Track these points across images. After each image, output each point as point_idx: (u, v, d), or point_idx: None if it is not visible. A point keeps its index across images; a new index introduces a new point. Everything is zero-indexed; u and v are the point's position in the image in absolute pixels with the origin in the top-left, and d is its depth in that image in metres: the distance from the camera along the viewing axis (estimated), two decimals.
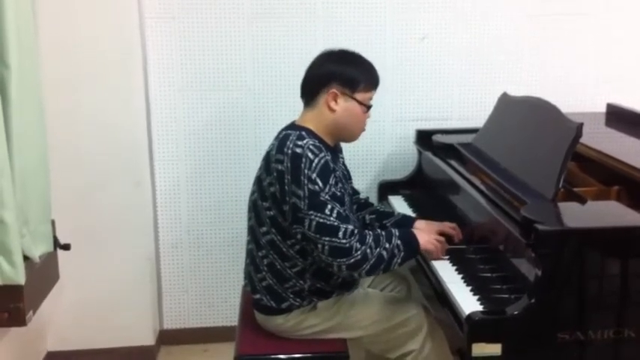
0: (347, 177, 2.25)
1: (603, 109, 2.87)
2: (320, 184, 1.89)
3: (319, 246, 1.89)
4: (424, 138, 2.78)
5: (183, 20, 2.79)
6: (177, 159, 2.91)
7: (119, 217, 2.77)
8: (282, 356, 2.05)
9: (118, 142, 2.71)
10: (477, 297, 1.83)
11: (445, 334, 2.11)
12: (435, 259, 2.07)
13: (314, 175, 1.89)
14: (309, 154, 1.90)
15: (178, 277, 3.01)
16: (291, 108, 2.62)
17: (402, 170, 2.95)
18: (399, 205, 2.67)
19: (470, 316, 1.68)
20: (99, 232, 2.76)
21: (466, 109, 3.00)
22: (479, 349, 1.65)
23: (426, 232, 2.10)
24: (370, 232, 1.96)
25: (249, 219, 2.12)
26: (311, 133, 2.00)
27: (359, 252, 1.88)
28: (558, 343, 1.68)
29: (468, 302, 1.80)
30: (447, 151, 2.56)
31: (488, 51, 2.96)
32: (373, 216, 2.33)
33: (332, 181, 1.91)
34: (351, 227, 1.89)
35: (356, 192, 2.40)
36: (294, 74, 2.18)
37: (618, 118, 2.74)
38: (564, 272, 1.68)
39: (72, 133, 2.66)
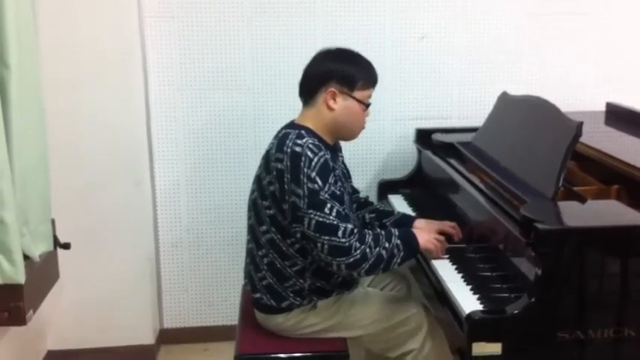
0: (347, 176, 2.24)
1: (603, 108, 2.87)
2: (319, 182, 1.89)
3: (319, 245, 1.89)
4: (424, 137, 2.78)
5: (182, 19, 2.79)
6: (177, 158, 2.91)
7: (119, 217, 2.77)
8: (282, 355, 2.05)
9: (118, 142, 2.71)
10: (476, 296, 1.83)
11: (445, 334, 2.10)
12: (435, 259, 2.07)
13: (313, 174, 1.89)
14: (309, 153, 1.90)
15: (178, 277, 3.01)
16: (290, 107, 2.62)
17: (402, 169, 2.95)
18: (399, 204, 2.67)
19: (470, 316, 1.68)
20: (99, 231, 2.76)
21: (466, 108, 3.00)
22: (479, 348, 1.65)
23: (425, 232, 2.10)
24: (370, 232, 1.96)
25: (249, 218, 2.12)
26: (310, 132, 2.00)
27: (358, 251, 1.88)
28: (558, 342, 1.68)
29: (467, 301, 1.80)
30: (446, 150, 2.56)
31: (488, 50, 2.96)
32: (373, 215, 2.33)
33: (331, 179, 1.91)
34: (350, 226, 1.89)
35: (356, 191, 2.40)
36: (294, 73, 2.17)
37: (618, 117, 2.74)
38: (564, 271, 1.68)
39: (72, 133, 2.66)
